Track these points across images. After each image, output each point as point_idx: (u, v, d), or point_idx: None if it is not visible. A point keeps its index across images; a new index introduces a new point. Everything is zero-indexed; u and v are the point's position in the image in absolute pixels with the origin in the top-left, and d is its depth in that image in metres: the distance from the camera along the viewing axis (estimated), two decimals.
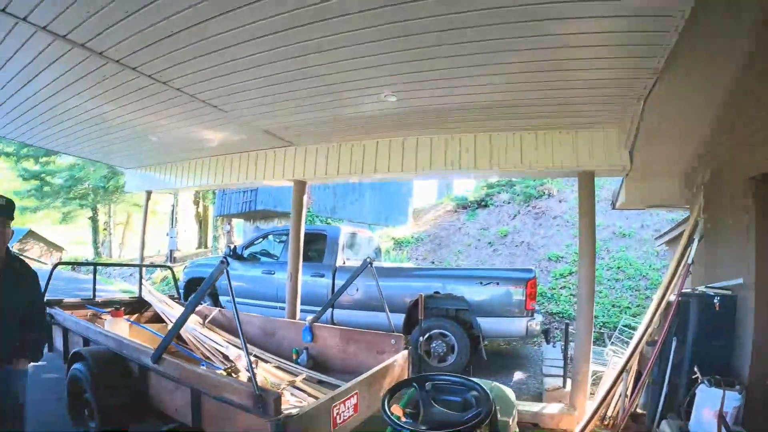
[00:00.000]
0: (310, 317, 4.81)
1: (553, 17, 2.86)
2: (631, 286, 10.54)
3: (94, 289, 6.24)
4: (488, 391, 2.26)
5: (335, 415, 2.76)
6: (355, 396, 3.00)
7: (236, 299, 7.70)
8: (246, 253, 8.70)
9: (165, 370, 3.19)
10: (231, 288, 2.96)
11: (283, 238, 8.56)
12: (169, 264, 8.85)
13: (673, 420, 3.41)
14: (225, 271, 2.96)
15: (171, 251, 22.72)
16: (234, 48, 3.43)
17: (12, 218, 2.92)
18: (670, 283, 4.49)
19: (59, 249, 40.31)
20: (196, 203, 27.60)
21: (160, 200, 28.88)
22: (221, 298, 8.36)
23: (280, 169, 6.19)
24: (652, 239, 11.69)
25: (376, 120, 4.85)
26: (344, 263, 7.69)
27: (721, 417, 2.92)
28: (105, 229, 33.00)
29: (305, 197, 6.30)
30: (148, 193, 8.13)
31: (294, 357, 4.57)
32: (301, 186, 6.19)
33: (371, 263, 4.38)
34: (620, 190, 5.34)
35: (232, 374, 3.84)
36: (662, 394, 3.87)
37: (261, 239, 9.00)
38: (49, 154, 24.78)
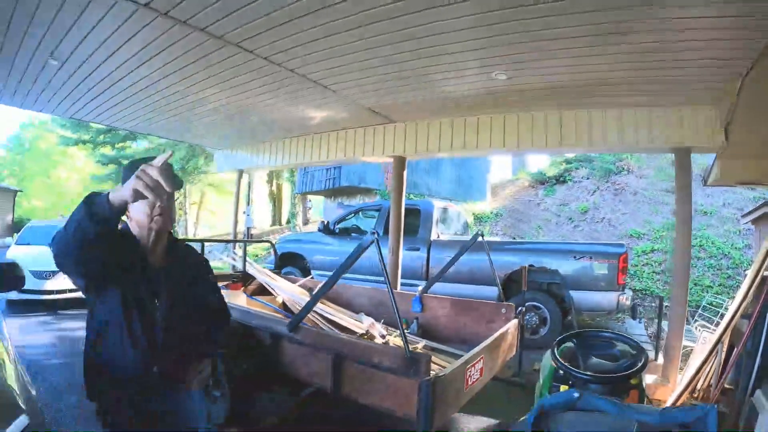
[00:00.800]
0: (420, 287, 5.12)
1: (670, 5, 3.02)
2: (712, 264, 10.32)
3: None
4: (641, 345, 2.55)
5: (467, 376, 3.02)
6: (482, 360, 3.26)
7: (327, 272, 8.25)
8: (337, 228, 9.14)
9: (303, 338, 3.38)
10: (383, 262, 3.15)
11: (373, 213, 8.94)
12: (270, 239, 9.49)
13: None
14: (377, 242, 3.18)
15: (248, 228, 23.71)
16: (345, 34, 3.72)
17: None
18: (765, 258, 4.54)
19: None
20: (269, 182, 28.50)
21: (229, 180, 30.03)
22: (314, 272, 8.78)
23: (380, 146, 6.50)
24: (734, 218, 11.35)
25: (480, 98, 5.08)
26: (438, 237, 8.00)
27: None
28: (180, 209, 34.73)
29: (404, 173, 6.61)
30: (240, 172, 8.68)
31: (404, 327, 4.92)
32: (401, 162, 6.51)
33: (482, 236, 4.62)
34: (713, 166, 5.34)
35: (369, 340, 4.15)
36: (755, 365, 4.00)
37: (352, 215, 9.42)
38: (125, 140, 25.60)
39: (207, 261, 2.58)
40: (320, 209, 22.35)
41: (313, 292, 5.26)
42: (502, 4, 3.20)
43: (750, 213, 8.79)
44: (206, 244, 7.17)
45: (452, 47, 3.90)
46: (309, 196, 22.27)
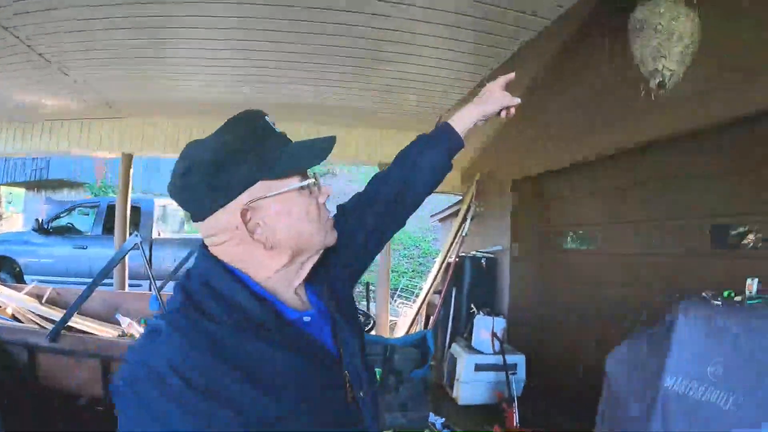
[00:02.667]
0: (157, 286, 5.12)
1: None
2: (407, 254, 12.67)
3: None
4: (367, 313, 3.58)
5: None
6: None
7: (44, 278, 7.30)
8: (51, 227, 8.09)
9: (67, 346, 3.18)
10: (148, 263, 3.24)
11: (89, 210, 8.21)
12: None
13: (461, 341, 4.99)
14: (140, 246, 3.24)
15: None
16: (89, 21, 3.46)
17: None
18: (449, 249, 6.16)
19: None
20: None
21: None
22: (29, 277, 7.59)
23: (110, 141, 6.12)
24: (426, 216, 14.06)
25: (225, 106, 5.33)
26: (159, 235, 7.86)
27: (493, 334, 4.52)
28: None
29: (131, 171, 6.33)
30: None
31: (143, 327, 4.89)
32: (129, 159, 6.24)
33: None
34: None
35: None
36: (448, 327, 5.49)
37: (66, 212, 8.44)
38: None
39: None
40: (20, 204, 18.27)
41: (54, 298, 4.84)
42: (254, 24, 3.48)
43: (438, 213, 11.07)
44: None
45: (204, 53, 4.02)
46: (4, 188, 18.02)
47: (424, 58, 3.90)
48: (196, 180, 0.93)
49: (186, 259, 5.19)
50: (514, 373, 4.12)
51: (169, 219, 8.73)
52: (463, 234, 5.89)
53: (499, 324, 4.61)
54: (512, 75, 1.44)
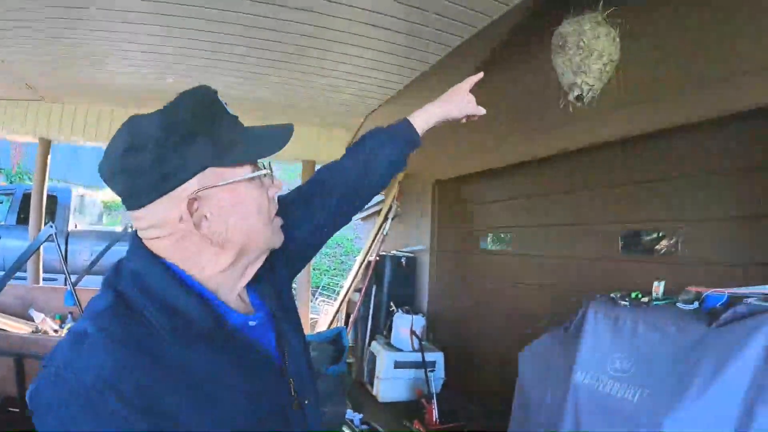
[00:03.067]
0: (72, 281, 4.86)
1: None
2: (328, 253, 12.64)
3: None
4: None
5: None
6: None
7: None
8: None
9: None
10: (63, 256, 3.08)
11: (3, 198, 7.53)
12: None
13: (380, 338, 5.04)
14: (55, 238, 3.06)
15: None
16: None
17: None
18: (369, 247, 6.20)
19: None
20: None
21: None
22: None
23: (26, 124, 5.56)
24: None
25: (149, 93, 5.08)
26: (76, 227, 7.37)
27: (412, 332, 4.61)
28: None
29: (48, 157, 5.92)
30: None
31: (58, 323, 4.61)
32: (47, 145, 5.81)
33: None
34: None
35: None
36: (368, 325, 5.53)
37: None
38: None
39: None
40: None
41: None
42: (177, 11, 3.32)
43: (361, 212, 11.14)
44: None
45: (126, 37, 3.79)
46: None
47: (353, 57, 3.90)
48: (140, 160, 0.79)
49: (103, 252, 4.92)
50: (432, 370, 4.23)
51: (86, 210, 8.26)
52: (384, 233, 5.96)
53: (419, 322, 4.70)
54: (481, 74, 1.48)
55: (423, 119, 1.38)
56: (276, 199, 0.97)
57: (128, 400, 0.67)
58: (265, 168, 0.94)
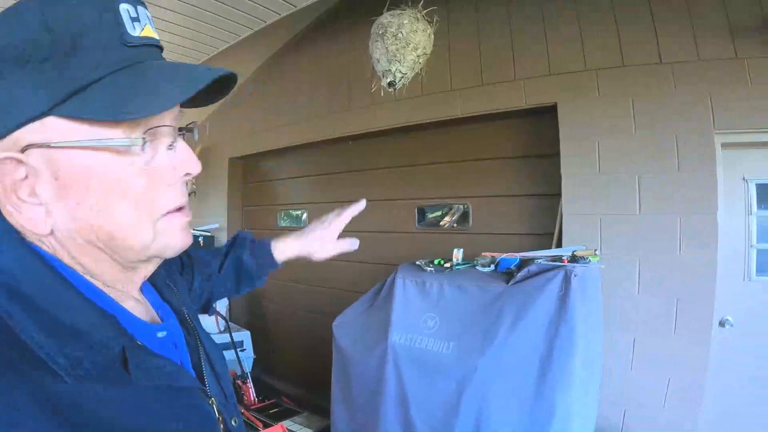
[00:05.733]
0: None
1: None
2: None
3: None
4: None
5: None
6: None
7: None
8: None
9: None
10: None
11: None
12: None
13: None
14: None
15: None
16: None
17: None
18: None
19: None
20: None
21: None
22: None
23: None
24: None
25: None
26: None
27: (217, 313, 4.49)
28: None
29: None
30: None
31: None
32: None
33: None
34: None
35: None
36: None
37: None
38: None
39: None
40: None
41: None
42: None
43: None
44: None
45: None
46: None
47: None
48: None
49: None
50: (243, 350, 4.20)
51: None
52: None
53: (222, 302, 4.61)
54: (362, 205, 1.26)
55: (282, 251, 1.24)
56: (186, 184, 0.66)
57: None
58: (185, 131, 0.66)
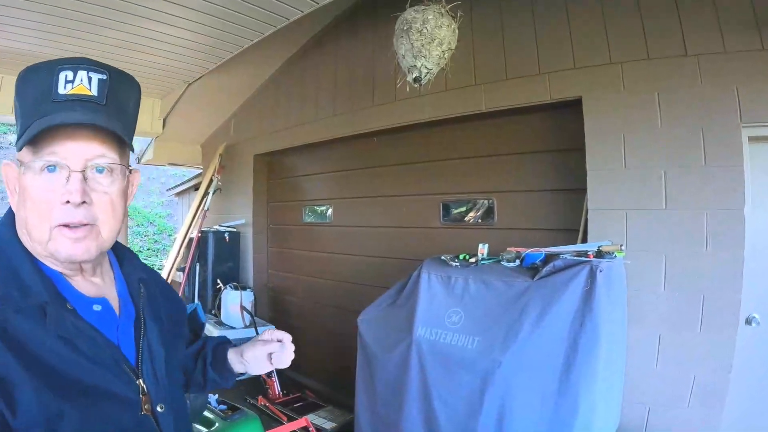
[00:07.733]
0: None
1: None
2: (140, 232, 11.51)
3: None
4: None
5: None
6: None
7: None
8: None
9: None
10: None
11: None
12: None
13: (210, 317, 4.90)
14: None
15: None
16: None
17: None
18: (190, 224, 5.91)
19: None
20: None
21: None
22: None
23: None
24: (156, 191, 12.82)
25: None
26: None
27: (242, 307, 4.59)
28: None
29: None
30: None
31: None
32: None
33: None
34: (148, 148, 6.33)
35: None
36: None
37: None
38: None
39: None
40: None
41: None
42: None
43: (175, 187, 10.20)
44: None
45: None
46: None
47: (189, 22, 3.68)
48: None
49: None
50: None
51: None
52: (206, 208, 5.74)
53: (247, 297, 4.69)
54: (288, 345, 1.27)
55: (231, 358, 1.31)
56: (71, 205, 0.82)
57: None
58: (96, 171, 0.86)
